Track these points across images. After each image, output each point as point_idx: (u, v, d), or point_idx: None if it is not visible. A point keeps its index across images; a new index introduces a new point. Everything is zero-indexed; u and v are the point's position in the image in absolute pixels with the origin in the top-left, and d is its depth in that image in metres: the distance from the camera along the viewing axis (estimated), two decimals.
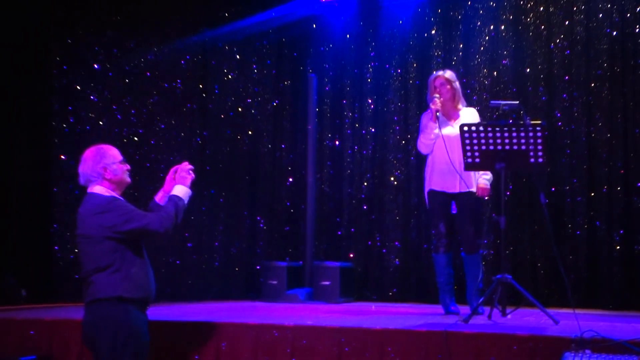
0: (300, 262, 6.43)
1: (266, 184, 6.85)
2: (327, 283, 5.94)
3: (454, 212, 4.85)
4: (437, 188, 4.82)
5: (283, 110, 6.97)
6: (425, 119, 4.83)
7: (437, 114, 4.66)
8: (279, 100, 6.95)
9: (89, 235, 3.36)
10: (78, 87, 5.99)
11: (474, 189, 4.75)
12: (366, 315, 4.87)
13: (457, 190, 4.77)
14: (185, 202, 3.55)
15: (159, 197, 3.66)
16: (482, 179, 4.75)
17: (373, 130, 6.72)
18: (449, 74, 4.89)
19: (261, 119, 6.84)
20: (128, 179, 3.54)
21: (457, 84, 4.89)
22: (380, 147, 6.68)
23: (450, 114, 4.85)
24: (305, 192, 6.48)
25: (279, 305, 5.61)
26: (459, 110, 4.88)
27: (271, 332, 4.01)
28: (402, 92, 6.64)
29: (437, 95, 4.74)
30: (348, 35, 6.85)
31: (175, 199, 3.51)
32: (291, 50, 7.02)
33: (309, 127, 6.50)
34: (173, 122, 6.40)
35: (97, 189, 3.44)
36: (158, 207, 3.58)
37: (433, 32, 6.56)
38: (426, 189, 4.92)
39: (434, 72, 4.99)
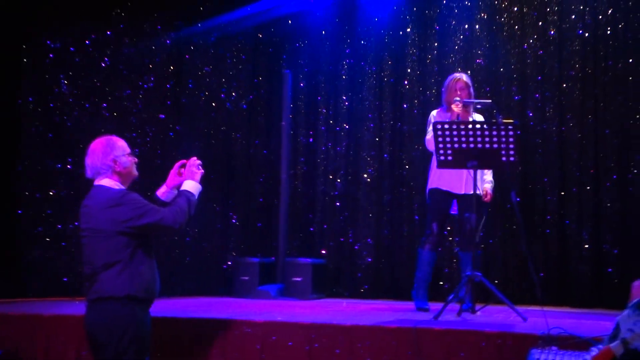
0: (273, 258, 6.41)
1: (239, 180, 6.81)
2: (299, 279, 5.93)
3: (454, 212, 4.91)
4: (443, 187, 4.88)
5: (257, 106, 6.93)
6: (439, 118, 4.85)
7: (457, 117, 4.71)
8: (254, 96, 6.91)
9: (100, 229, 3.22)
10: (50, 81, 5.91)
11: (478, 192, 4.77)
12: (337, 312, 4.87)
13: (462, 191, 4.83)
14: (196, 197, 3.46)
15: (161, 192, 3.57)
16: (486, 184, 4.82)
17: (347, 127, 6.72)
18: (466, 77, 4.99)
19: (235, 115, 6.80)
20: (136, 172, 3.44)
21: (472, 90, 4.95)
22: (354, 144, 6.68)
23: (464, 118, 4.88)
24: (279, 188, 6.46)
25: (250, 302, 5.60)
26: (471, 115, 4.94)
27: (241, 328, 4.00)
28: (377, 90, 6.65)
29: (459, 99, 4.78)
30: (323, 32, 6.83)
31: (187, 194, 3.41)
32: (266, 46, 6.98)
33: (283, 123, 6.47)
34: (145, 116, 6.33)
35: (106, 182, 3.32)
36: (161, 202, 3.49)
37: (408, 30, 6.58)
38: (429, 186, 4.97)
39: (453, 74, 5.07)
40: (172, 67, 6.55)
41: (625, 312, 1.62)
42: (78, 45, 6.05)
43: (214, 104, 6.70)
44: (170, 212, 3.28)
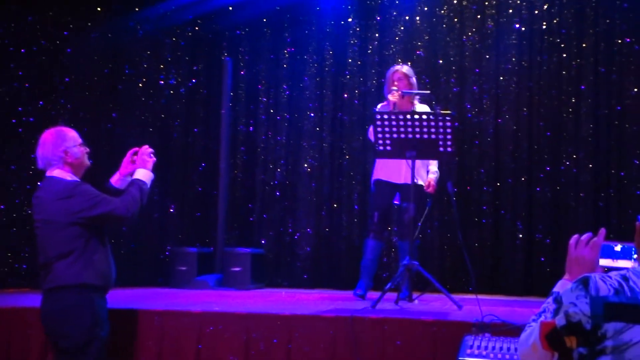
0: (212, 248, 6.33)
1: (178, 169, 6.68)
2: (237, 269, 5.88)
3: (397, 202, 4.95)
4: (383, 178, 4.93)
5: (196, 93, 6.81)
6: (382, 110, 4.87)
7: (394, 106, 4.72)
8: (193, 83, 6.79)
9: (53, 220, 3.26)
10: None
11: (419, 182, 4.80)
12: (275, 302, 4.85)
13: (402, 181, 4.86)
14: (149, 185, 3.52)
15: (115, 180, 3.60)
16: (431, 174, 4.86)
17: (288, 116, 6.69)
18: (406, 69, 5.00)
19: (174, 102, 6.66)
20: (88, 162, 3.48)
21: (414, 80, 4.98)
22: (294, 134, 6.66)
23: (405, 109, 4.90)
24: (218, 177, 6.37)
25: (188, 292, 5.51)
26: (414, 105, 4.96)
27: (178, 319, 3.93)
28: (318, 79, 6.64)
29: (396, 88, 4.81)
30: (265, 20, 6.77)
31: (139, 183, 3.46)
32: (206, 33, 6.85)
33: (223, 111, 6.38)
34: (80, 103, 6.14)
35: (58, 172, 3.35)
36: (115, 190, 3.52)
37: (350, 20, 6.58)
38: (373, 177, 5.03)
39: (393, 66, 5.10)
40: (107, 52, 6.36)
41: (568, 287, 1.70)
42: (8, 27, 5.81)
43: (151, 91, 6.55)
44: (123, 202, 3.35)
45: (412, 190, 4.45)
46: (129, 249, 6.32)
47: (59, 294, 3.28)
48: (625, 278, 1.69)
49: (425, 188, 4.88)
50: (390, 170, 4.89)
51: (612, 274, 1.72)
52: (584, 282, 1.69)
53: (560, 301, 1.70)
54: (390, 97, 4.77)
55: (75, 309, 3.27)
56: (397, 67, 5.02)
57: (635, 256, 1.93)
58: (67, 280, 3.26)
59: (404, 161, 4.65)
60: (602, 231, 2.00)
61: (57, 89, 6.05)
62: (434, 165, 4.98)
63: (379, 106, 5.05)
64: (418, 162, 4.70)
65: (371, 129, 4.83)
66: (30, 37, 5.95)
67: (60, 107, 6.06)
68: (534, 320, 1.88)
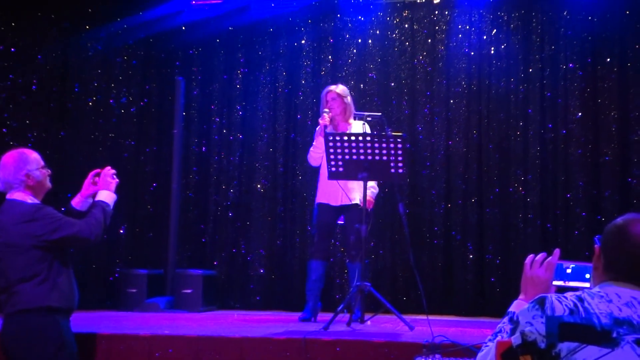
0: (162, 270, 6.23)
1: (129, 189, 6.56)
2: (189, 291, 5.80)
3: (341, 222, 4.99)
4: (323, 201, 4.95)
5: (148, 113, 6.74)
6: (317, 133, 4.91)
7: (326, 128, 4.78)
8: (144, 102, 6.72)
9: (13, 244, 3.20)
10: None
11: (357, 202, 4.82)
12: (227, 324, 4.79)
13: (339, 203, 4.89)
14: (112, 207, 3.48)
15: (76, 202, 3.54)
16: (369, 192, 4.87)
17: (241, 136, 6.67)
18: (340, 88, 5.03)
19: (125, 121, 6.57)
20: (49, 184, 3.43)
21: (348, 99, 5.01)
22: (247, 154, 6.64)
23: (339, 128, 4.96)
24: (170, 198, 6.29)
25: (137, 315, 5.41)
26: (349, 124, 4.99)
27: (125, 343, 3.84)
28: (271, 100, 6.65)
29: (327, 110, 4.88)
30: (218, 40, 6.77)
31: (102, 204, 3.43)
32: (159, 52, 6.81)
33: (175, 131, 6.31)
34: (28, 121, 6.01)
35: (18, 195, 3.29)
36: (76, 212, 3.48)
37: (303, 42, 6.63)
38: (316, 200, 5.04)
39: (328, 86, 5.12)
40: (56, 69, 6.25)
41: (526, 306, 1.74)
42: None
43: (102, 110, 6.45)
44: (87, 224, 3.31)
45: (364, 211, 4.47)
46: (76, 270, 6.07)
47: (23, 317, 3.21)
48: (581, 299, 1.71)
49: (360, 205, 4.89)
50: (328, 194, 4.92)
51: (568, 294, 1.75)
52: (540, 302, 1.72)
53: (517, 321, 1.73)
54: (320, 120, 4.87)
55: (40, 333, 3.21)
56: (332, 87, 5.06)
57: (588, 276, 1.98)
58: (32, 304, 3.20)
59: (338, 183, 4.68)
60: (557, 251, 2.03)
61: (5, 107, 5.90)
62: (372, 182, 5.00)
63: (318, 127, 5.06)
64: (353, 182, 4.74)
65: (310, 151, 4.91)
66: None
67: (7, 126, 5.90)
68: (490, 340, 1.90)
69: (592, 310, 1.68)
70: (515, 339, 1.71)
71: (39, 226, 3.22)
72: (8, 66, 5.95)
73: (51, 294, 3.24)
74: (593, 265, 1.84)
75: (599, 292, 1.74)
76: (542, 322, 1.68)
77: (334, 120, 4.95)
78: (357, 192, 4.83)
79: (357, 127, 4.98)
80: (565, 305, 1.70)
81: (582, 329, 1.65)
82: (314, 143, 4.95)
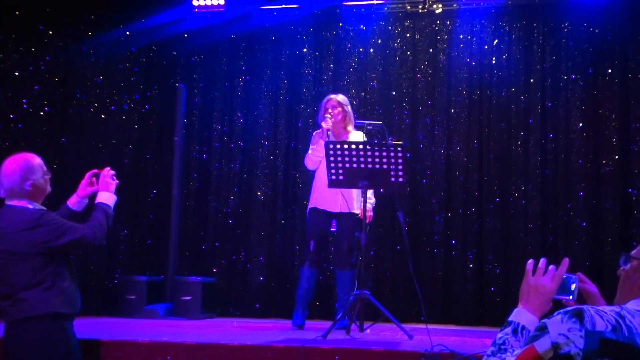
0: (162, 276, 6.22)
1: (129, 195, 6.58)
2: (188, 298, 5.79)
3: (334, 229, 4.96)
4: (319, 206, 4.94)
5: (150, 119, 6.75)
6: (316, 137, 4.94)
7: (328, 132, 4.80)
8: (146, 109, 6.73)
9: (17, 251, 3.14)
10: None
11: (355, 211, 4.83)
12: (226, 332, 4.78)
13: (338, 210, 4.90)
14: (113, 208, 3.43)
15: (72, 202, 3.49)
16: (368, 203, 4.86)
17: (242, 144, 6.68)
18: (341, 97, 5.06)
19: (126, 128, 6.59)
20: (49, 188, 3.37)
21: (348, 108, 5.05)
22: (248, 162, 6.64)
23: (339, 136, 4.98)
24: (170, 204, 6.29)
25: (136, 321, 5.40)
26: (349, 132, 5.01)
27: (124, 349, 3.83)
28: (272, 108, 6.66)
29: (329, 115, 4.88)
30: (220, 47, 6.79)
31: (103, 207, 3.37)
32: (161, 59, 6.83)
33: (176, 138, 6.32)
34: (29, 127, 6.01)
35: (19, 201, 3.23)
36: (72, 212, 3.44)
37: (305, 50, 6.65)
38: (309, 205, 5.03)
39: (328, 95, 5.15)
40: (58, 75, 6.27)
41: (557, 316, 1.63)
42: None
43: (103, 116, 6.47)
44: (90, 228, 3.26)
45: (364, 220, 4.46)
46: (76, 276, 6.16)
47: (30, 324, 3.15)
48: (621, 316, 1.63)
49: (359, 215, 4.90)
50: (327, 200, 4.92)
51: (606, 309, 1.65)
52: (579, 315, 1.61)
53: (545, 328, 1.64)
54: (323, 124, 4.85)
55: (48, 339, 3.17)
56: (332, 95, 5.10)
57: (573, 287, 1.90)
58: (39, 310, 3.15)
59: (339, 190, 4.69)
60: (565, 261, 1.90)
61: (4, 111, 5.91)
62: (369, 193, 5.01)
63: (314, 132, 5.08)
64: (353, 191, 4.75)
65: (309, 153, 4.91)
66: None
67: (8, 131, 5.91)
68: (492, 353, 1.76)
69: (635, 330, 1.60)
70: (545, 352, 1.60)
71: (43, 233, 3.16)
72: (11, 72, 5.96)
73: (58, 300, 3.19)
74: (630, 279, 1.75)
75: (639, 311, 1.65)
76: (580, 337, 1.57)
77: (334, 128, 4.96)
78: (357, 201, 4.84)
79: (357, 136, 5.00)
80: (607, 320, 1.60)
81: (624, 348, 1.56)
82: (313, 146, 4.93)
